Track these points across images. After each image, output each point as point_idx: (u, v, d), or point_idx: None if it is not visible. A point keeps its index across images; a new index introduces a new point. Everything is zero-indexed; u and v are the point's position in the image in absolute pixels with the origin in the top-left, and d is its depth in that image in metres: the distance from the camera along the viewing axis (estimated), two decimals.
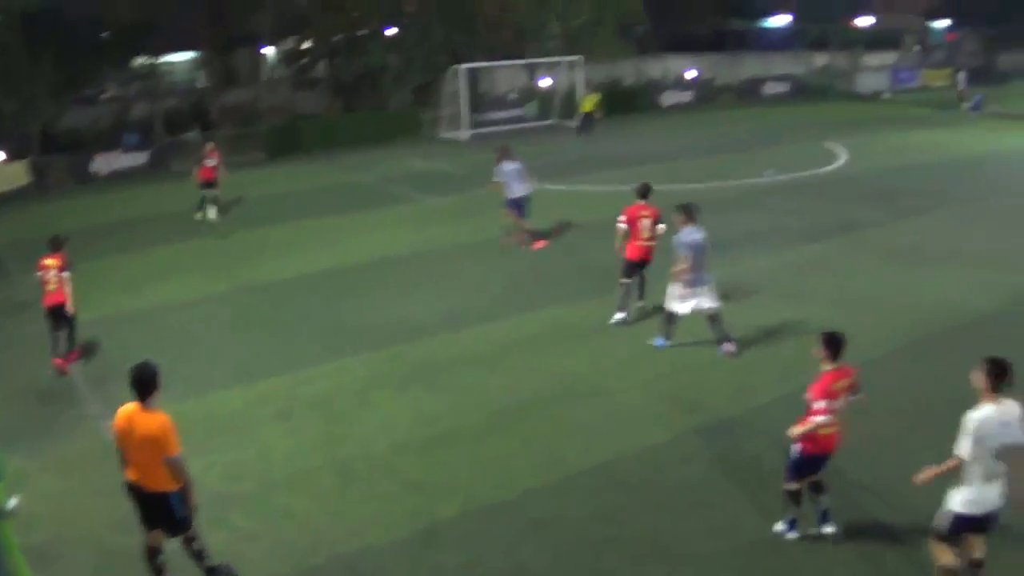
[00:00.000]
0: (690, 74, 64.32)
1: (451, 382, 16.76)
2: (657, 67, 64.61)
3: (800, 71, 68.09)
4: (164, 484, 10.30)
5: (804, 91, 64.22)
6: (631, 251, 19.11)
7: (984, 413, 9.76)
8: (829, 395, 10.82)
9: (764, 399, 15.17)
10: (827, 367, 10.91)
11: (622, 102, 55.75)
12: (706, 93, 61.03)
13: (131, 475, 10.49)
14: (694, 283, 17.29)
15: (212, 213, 31.40)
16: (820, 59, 70.01)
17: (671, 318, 17.81)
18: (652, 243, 19.14)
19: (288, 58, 56.66)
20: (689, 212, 17.26)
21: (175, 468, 10.17)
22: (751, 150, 40.58)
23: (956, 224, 27.56)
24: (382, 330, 19.50)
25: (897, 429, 14.16)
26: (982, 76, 69.83)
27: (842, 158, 38.23)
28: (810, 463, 11.22)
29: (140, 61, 50.27)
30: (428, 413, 15.54)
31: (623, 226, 19.04)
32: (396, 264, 24.86)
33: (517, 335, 18.95)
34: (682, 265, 17.03)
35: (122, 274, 25.10)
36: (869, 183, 33.31)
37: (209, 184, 31.77)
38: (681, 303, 17.47)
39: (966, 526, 10.04)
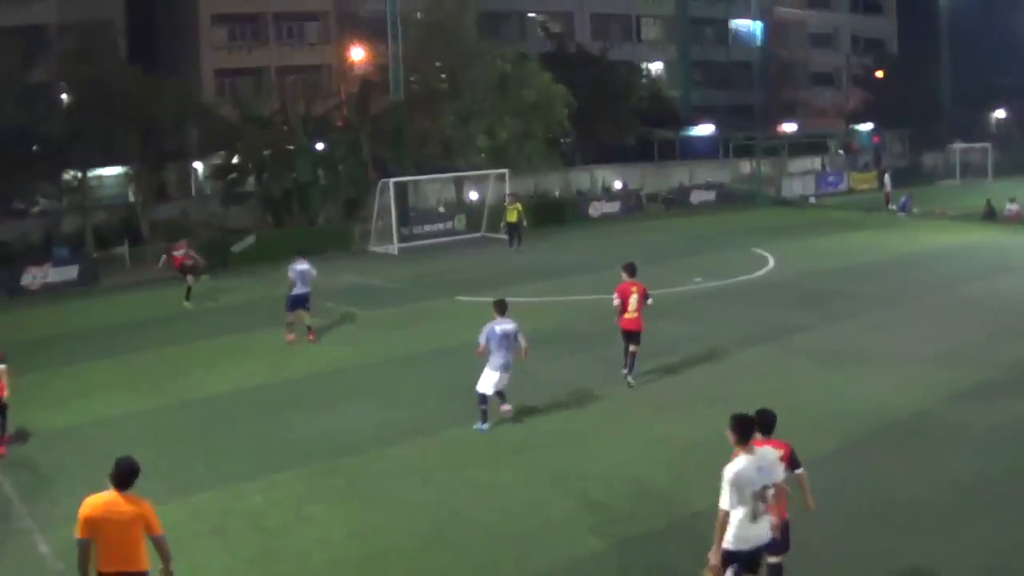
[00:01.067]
0: (617, 184, 65.29)
1: (386, 495, 16.65)
2: (585, 178, 65.59)
3: (726, 178, 69.29)
4: (142, 564, 10.84)
5: (731, 198, 65.27)
6: (624, 323, 21.77)
7: (738, 465, 10.86)
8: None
9: (697, 507, 15.14)
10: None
11: (551, 214, 56.31)
12: (634, 203, 61.79)
13: (106, 566, 10.71)
14: (504, 368, 19.58)
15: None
16: (746, 166, 71.28)
17: (484, 399, 19.72)
18: (638, 314, 21.69)
19: (217, 173, 56.68)
20: (499, 306, 20.00)
21: (163, 544, 10.92)
22: (680, 258, 41.11)
23: (886, 325, 28.06)
24: (316, 444, 19.36)
25: (834, 532, 14.26)
26: (908, 177, 71.54)
27: (770, 263, 38.86)
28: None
29: (70, 175, 50.19)
30: (363, 527, 15.41)
31: (617, 301, 21.64)
32: (329, 377, 24.74)
33: (450, 448, 18.90)
34: (479, 349, 19.63)
35: (52, 389, 24.74)
36: (797, 287, 33.84)
37: (186, 270, 34.80)
38: (493, 386, 19.59)
39: (735, 560, 10.92)
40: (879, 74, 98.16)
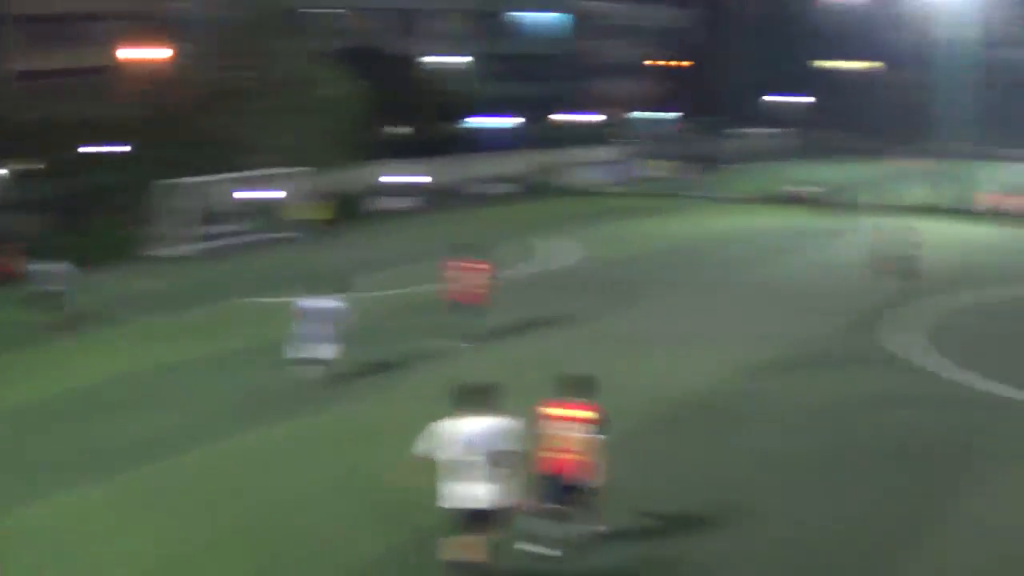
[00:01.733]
0: (417, 179, 64.71)
1: (173, 504, 15.92)
2: (383, 173, 64.87)
3: (526, 170, 69.37)
4: None
5: (531, 189, 65.37)
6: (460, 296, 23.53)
7: (443, 426, 12.13)
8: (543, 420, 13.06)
9: None
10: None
11: (349, 210, 55.47)
12: (433, 197, 61.37)
13: None
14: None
15: None
16: (546, 156, 71.46)
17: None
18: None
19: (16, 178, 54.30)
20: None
21: None
22: (480, 250, 40.78)
23: (685, 308, 28.57)
24: (104, 456, 18.26)
25: (640, 509, 14.42)
26: (703, 163, 73.06)
27: (573, 252, 38.91)
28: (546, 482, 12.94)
29: None
30: (156, 537, 14.69)
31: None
32: (120, 384, 23.64)
33: (241, 454, 18.18)
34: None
35: None
36: (601, 274, 34.09)
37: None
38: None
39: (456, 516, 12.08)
40: (680, 63, 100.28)
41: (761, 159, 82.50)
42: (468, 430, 11.97)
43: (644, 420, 18.57)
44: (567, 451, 12.90)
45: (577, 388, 13.18)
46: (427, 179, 63.61)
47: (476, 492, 11.91)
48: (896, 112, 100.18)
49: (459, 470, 11.94)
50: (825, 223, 46.24)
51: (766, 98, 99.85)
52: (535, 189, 64.97)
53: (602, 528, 13.63)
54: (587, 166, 72.36)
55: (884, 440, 18.08)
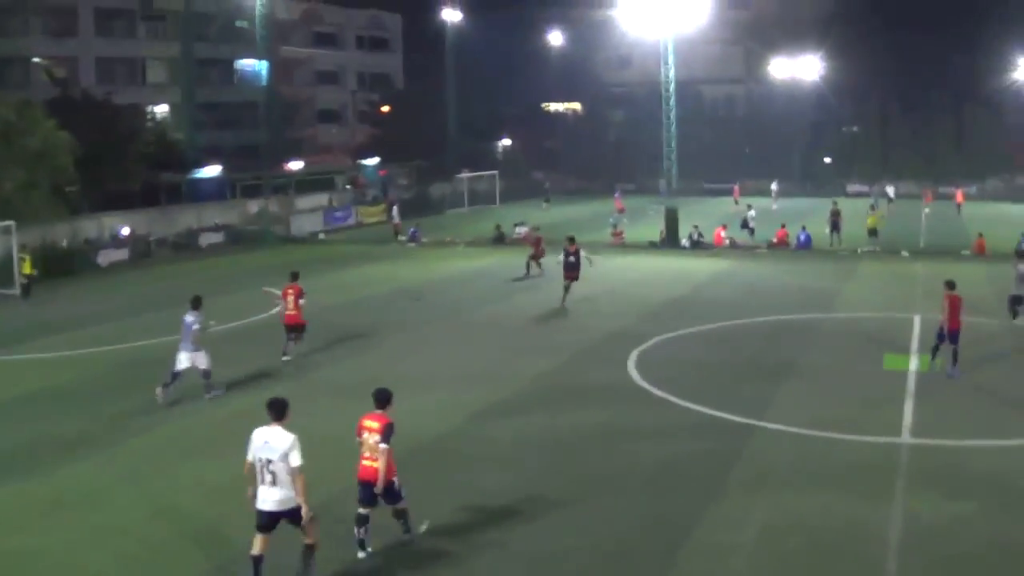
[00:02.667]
0: (125, 231, 62.67)
1: None
2: (93, 226, 62.55)
3: (235, 219, 68.16)
4: None
5: (241, 239, 64.13)
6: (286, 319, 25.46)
7: (254, 434, 13.72)
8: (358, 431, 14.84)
9: (238, 547, 14.53)
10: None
11: (60, 265, 53.18)
12: (142, 249, 59.49)
13: None
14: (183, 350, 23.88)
15: None
16: (254, 206, 70.39)
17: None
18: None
19: None
20: (195, 302, 24.54)
21: None
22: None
23: (405, 352, 28.50)
24: None
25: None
26: (417, 207, 73.46)
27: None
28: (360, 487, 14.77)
29: None
30: None
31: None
32: None
33: None
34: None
35: None
36: (315, 323, 33.58)
37: None
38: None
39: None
40: (385, 109, 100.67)
41: (482, 201, 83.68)
42: (264, 438, 13.57)
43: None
44: (372, 459, 14.61)
45: (377, 401, 15.02)
46: (139, 230, 61.74)
47: (271, 495, 13.50)
48: (611, 151, 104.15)
49: (259, 474, 13.54)
50: (544, 262, 47.17)
51: (484, 140, 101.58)
52: (249, 238, 63.88)
53: (422, 527, 15.66)
54: (306, 213, 71.78)
55: (623, 471, 18.54)
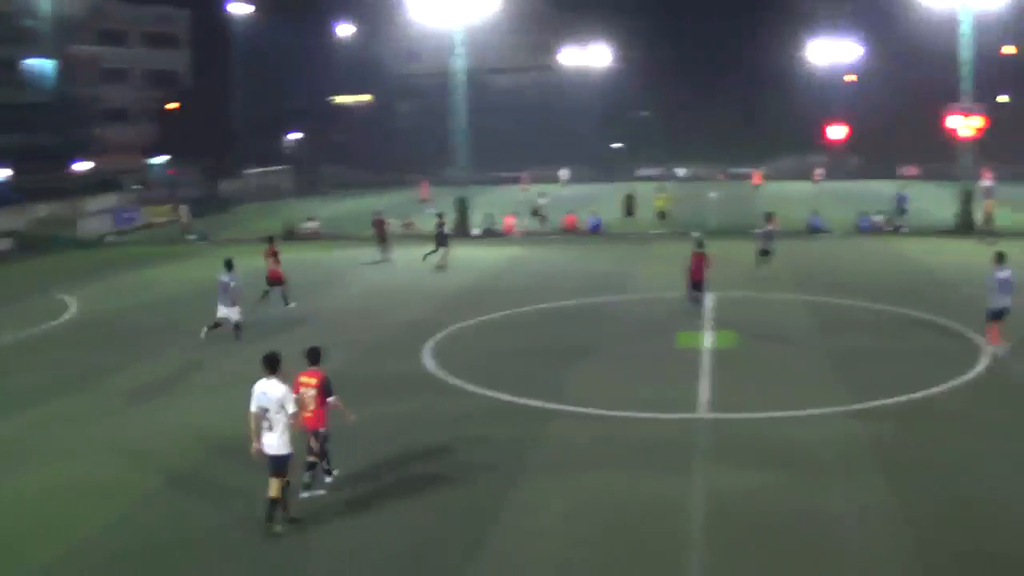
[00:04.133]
0: None
1: None
2: None
3: (22, 225, 65.47)
4: None
5: (29, 244, 61.59)
6: None
7: (256, 385, 15.54)
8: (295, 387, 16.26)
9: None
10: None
11: None
12: None
13: None
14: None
15: None
16: (42, 210, 67.83)
17: None
18: None
19: None
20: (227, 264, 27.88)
21: None
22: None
23: (201, 354, 27.71)
24: None
25: None
26: (206, 205, 71.91)
27: (74, 307, 36.90)
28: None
29: None
30: None
31: None
32: None
33: None
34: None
35: None
36: (107, 327, 32.59)
37: None
38: None
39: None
40: (173, 106, 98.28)
41: (268, 198, 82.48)
42: (262, 390, 15.46)
43: (174, 467, 18.20)
44: (309, 410, 16.41)
45: (309, 359, 16.94)
46: None
47: (270, 440, 15.37)
48: (402, 142, 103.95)
49: (261, 423, 15.37)
50: (337, 256, 46.83)
51: (273, 136, 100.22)
52: (38, 243, 61.36)
53: (335, 472, 17.32)
54: (90, 216, 69.34)
55: (425, 460, 18.57)
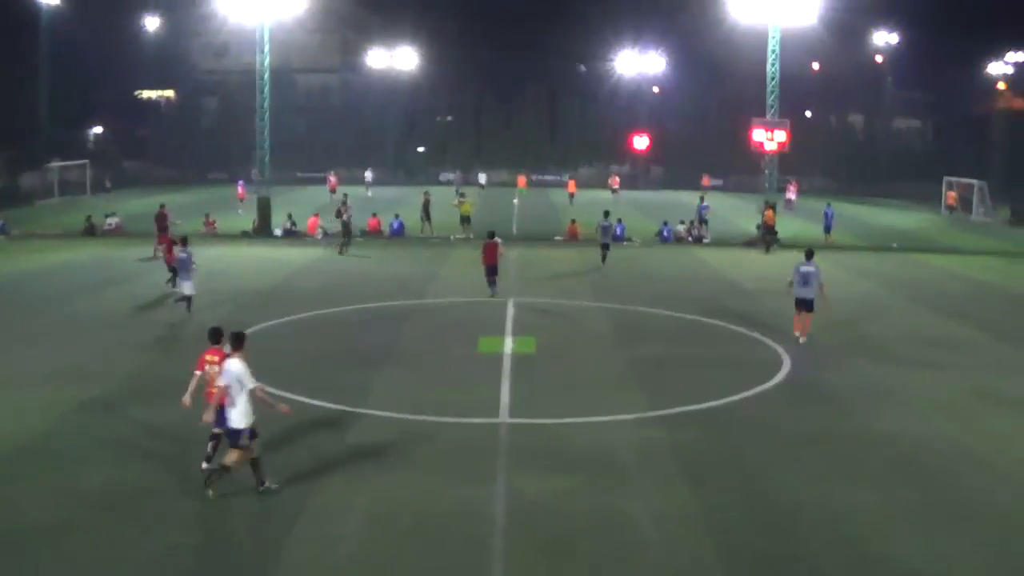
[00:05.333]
0: None
1: None
2: None
3: None
4: None
5: None
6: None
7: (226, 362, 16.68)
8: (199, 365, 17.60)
9: None
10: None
11: None
12: None
13: None
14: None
15: None
16: None
17: None
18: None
19: None
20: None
21: None
22: None
23: None
24: None
25: None
26: (5, 199, 69.24)
27: None
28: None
29: None
30: None
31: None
32: None
33: None
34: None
35: None
36: None
37: None
38: None
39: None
40: None
41: (73, 191, 79.88)
42: (226, 367, 16.56)
43: None
44: (215, 386, 16.94)
45: (211, 337, 17.90)
46: None
47: (230, 415, 16.39)
48: (206, 139, 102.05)
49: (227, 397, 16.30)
50: (132, 254, 45.45)
51: (78, 129, 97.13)
52: None
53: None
54: None
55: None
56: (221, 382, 16.46)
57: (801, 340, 28.51)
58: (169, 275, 35.77)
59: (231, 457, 16.34)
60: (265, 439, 18.68)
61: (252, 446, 16.62)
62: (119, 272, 40.83)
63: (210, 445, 17.31)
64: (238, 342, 17.03)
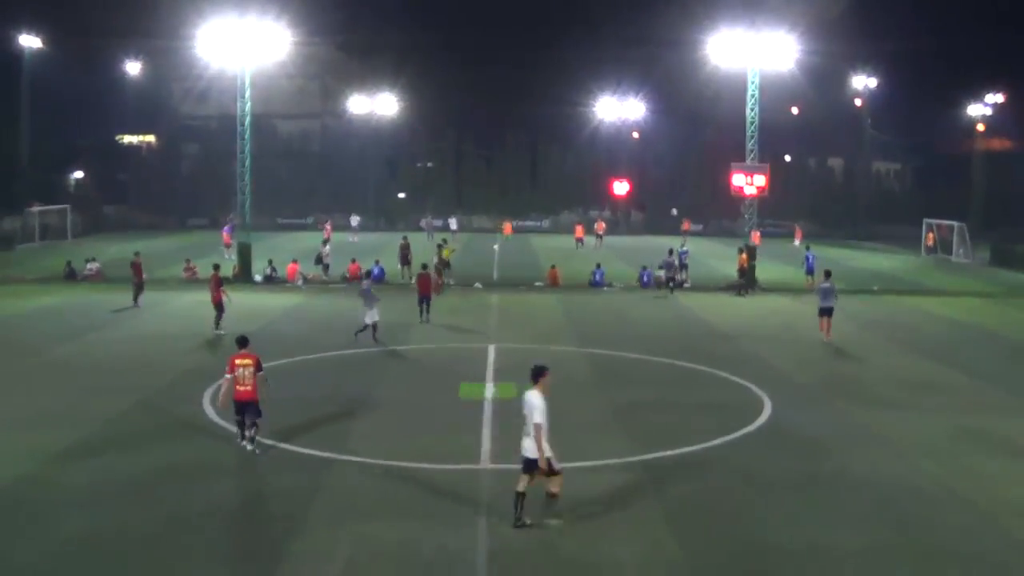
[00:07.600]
0: None
1: None
2: None
3: None
4: None
5: None
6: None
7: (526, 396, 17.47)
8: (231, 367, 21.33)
9: None
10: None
11: None
12: None
13: None
14: None
15: None
16: None
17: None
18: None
19: None
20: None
21: None
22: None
23: None
24: None
25: None
26: None
27: None
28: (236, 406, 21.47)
29: None
30: None
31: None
32: None
33: None
34: None
35: None
36: None
37: None
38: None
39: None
40: None
41: (53, 236, 79.59)
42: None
43: None
44: (244, 384, 21.17)
45: (240, 344, 21.89)
46: None
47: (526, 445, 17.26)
48: (186, 185, 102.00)
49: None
50: (110, 299, 45.20)
51: (58, 173, 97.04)
52: None
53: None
54: None
55: (204, 509, 17.96)
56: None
57: (825, 339, 36.58)
58: (215, 315, 37.41)
59: (554, 485, 17.38)
60: (248, 484, 18.57)
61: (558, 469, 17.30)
62: (98, 318, 40.58)
63: (252, 435, 21.38)
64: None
